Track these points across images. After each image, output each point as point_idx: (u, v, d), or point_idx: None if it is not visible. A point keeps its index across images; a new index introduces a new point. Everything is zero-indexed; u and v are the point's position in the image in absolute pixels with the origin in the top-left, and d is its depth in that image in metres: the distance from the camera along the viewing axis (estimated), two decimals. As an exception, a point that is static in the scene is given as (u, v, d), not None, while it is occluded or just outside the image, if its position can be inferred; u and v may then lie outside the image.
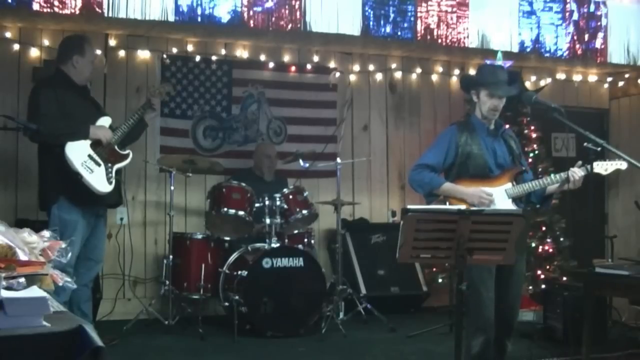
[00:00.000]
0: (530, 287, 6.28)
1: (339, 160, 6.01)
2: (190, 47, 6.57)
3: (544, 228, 6.42)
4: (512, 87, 4.00)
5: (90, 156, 4.52)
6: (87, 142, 4.56)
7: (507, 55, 6.10)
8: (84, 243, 4.62)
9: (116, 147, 4.72)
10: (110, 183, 4.58)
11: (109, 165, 4.61)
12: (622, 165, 3.94)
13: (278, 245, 5.65)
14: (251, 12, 5.45)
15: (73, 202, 4.51)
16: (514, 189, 3.90)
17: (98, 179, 4.52)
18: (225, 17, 5.40)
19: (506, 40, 6.18)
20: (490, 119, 3.99)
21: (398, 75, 7.29)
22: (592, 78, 7.80)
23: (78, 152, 4.48)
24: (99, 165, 4.55)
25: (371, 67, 7.18)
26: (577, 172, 3.81)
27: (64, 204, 4.50)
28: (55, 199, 4.50)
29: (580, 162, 3.87)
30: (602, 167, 3.94)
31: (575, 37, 6.46)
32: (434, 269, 6.66)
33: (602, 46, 6.55)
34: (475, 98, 4.00)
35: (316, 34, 5.83)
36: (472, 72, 7.21)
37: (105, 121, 4.77)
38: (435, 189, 3.91)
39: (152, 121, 5.27)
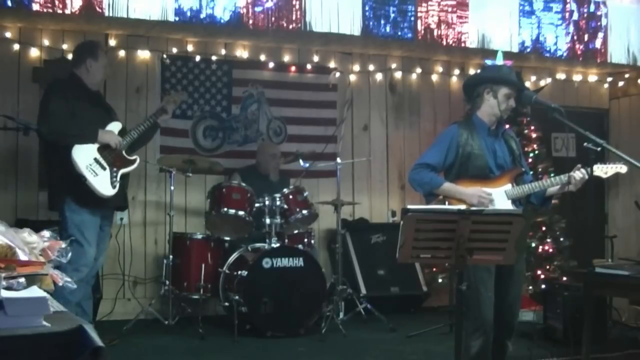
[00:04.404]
0: (530, 287, 6.28)
1: (339, 160, 6.01)
2: (190, 47, 6.56)
3: (544, 228, 6.42)
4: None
5: (96, 159, 4.62)
6: (95, 146, 4.65)
7: (507, 55, 6.08)
8: None
9: (124, 152, 4.79)
10: (114, 187, 4.66)
11: (114, 169, 4.69)
12: (622, 168, 3.91)
13: (278, 245, 5.65)
14: (251, 12, 5.45)
15: (79, 203, 4.60)
16: (514, 190, 3.88)
17: (102, 183, 4.60)
18: (225, 17, 5.40)
19: (506, 40, 6.18)
20: (503, 118, 3.97)
21: (398, 75, 7.29)
22: (592, 78, 7.79)
23: (84, 155, 4.58)
24: (104, 169, 4.64)
25: (371, 67, 7.17)
26: (582, 176, 3.79)
27: (72, 205, 4.60)
28: (64, 200, 4.61)
29: (579, 165, 3.85)
30: (602, 170, 3.92)
31: (575, 37, 6.46)
32: (434, 269, 6.65)
33: (602, 46, 6.55)
34: (491, 97, 3.90)
35: (316, 34, 5.83)
36: (472, 72, 7.23)
37: (115, 126, 4.86)
38: (435, 188, 3.90)
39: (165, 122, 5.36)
